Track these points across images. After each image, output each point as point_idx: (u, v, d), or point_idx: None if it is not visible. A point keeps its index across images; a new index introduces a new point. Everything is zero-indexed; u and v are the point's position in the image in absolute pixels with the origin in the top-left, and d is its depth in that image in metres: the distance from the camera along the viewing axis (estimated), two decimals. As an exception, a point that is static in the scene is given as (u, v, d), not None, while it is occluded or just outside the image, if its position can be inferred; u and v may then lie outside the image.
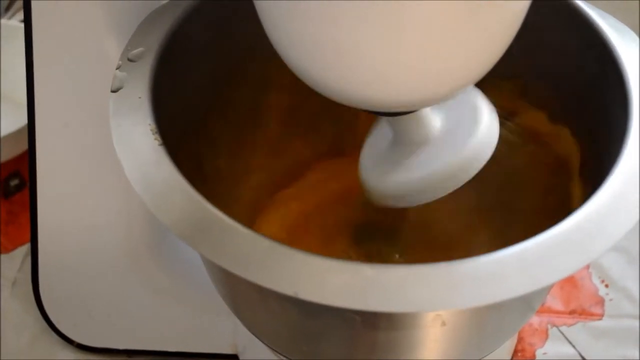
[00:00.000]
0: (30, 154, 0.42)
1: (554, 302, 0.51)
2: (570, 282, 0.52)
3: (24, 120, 0.43)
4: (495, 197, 0.41)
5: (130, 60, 0.34)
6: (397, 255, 0.43)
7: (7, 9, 0.67)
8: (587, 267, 0.52)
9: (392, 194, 0.35)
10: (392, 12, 0.25)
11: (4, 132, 0.55)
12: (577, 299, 0.51)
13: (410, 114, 0.32)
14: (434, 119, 0.34)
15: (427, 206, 0.35)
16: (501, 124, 0.34)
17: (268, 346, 0.36)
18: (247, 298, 0.34)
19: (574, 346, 0.49)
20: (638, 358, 0.48)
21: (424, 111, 0.33)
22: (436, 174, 0.33)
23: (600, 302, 0.51)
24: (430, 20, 0.25)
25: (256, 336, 0.36)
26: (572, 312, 0.50)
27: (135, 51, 0.34)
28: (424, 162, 0.34)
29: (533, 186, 0.40)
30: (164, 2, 0.37)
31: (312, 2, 0.25)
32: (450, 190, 0.34)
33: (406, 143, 0.35)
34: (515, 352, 0.48)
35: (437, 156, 0.33)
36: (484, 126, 0.33)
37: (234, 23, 0.38)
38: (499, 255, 0.26)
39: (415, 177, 0.34)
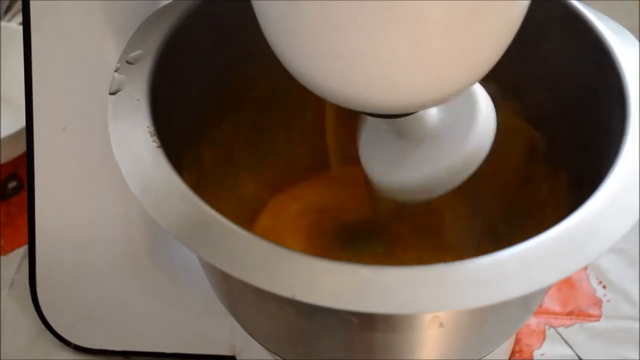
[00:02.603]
0: (28, 156, 0.42)
1: (552, 303, 0.51)
2: (568, 284, 0.52)
3: (22, 123, 0.43)
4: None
5: (128, 62, 0.34)
6: (392, 257, 0.43)
7: (6, 11, 0.67)
8: (585, 268, 0.52)
9: (399, 189, 0.35)
10: (390, 15, 0.25)
11: (2, 134, 0.55)
12: (575, 300, 0.51)
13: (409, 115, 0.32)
14: (432, 116, 0.34)
15: (426, 207, 0.36)
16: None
17: (265, 347, 0.36)
18: (244, 300, 0.34)
19: (571, 347, 0.49)
20: (636, 359, 0.48)
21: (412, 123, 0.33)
22: (440, 172, 0.34)
23: (598, 303, 0.51)
24: (430, 23, 0.25)
25: (253, 337, 0.36)
26: (569, 314, 0.50)
27: (133, 54, 0.34)
28: (426, 159, 0.34)
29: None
30: (162, 4, 0.37)
31: (310, 6, 0.25)
32: (456, 184, 0.34)
33: (406, 139, 0.35)
34: (513, 353, 0.48)
35: (438, 153, 0.34)
36: (482, 119, 0.33)
37: (232, 26, 0.39)
38: (496, 256, 0.26)
39: (420, 174, 0.34)
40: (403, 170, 0.35)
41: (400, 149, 0.35)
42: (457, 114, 0.34)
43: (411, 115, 0.32)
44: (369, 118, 0.37)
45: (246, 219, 0.43)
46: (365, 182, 0.37)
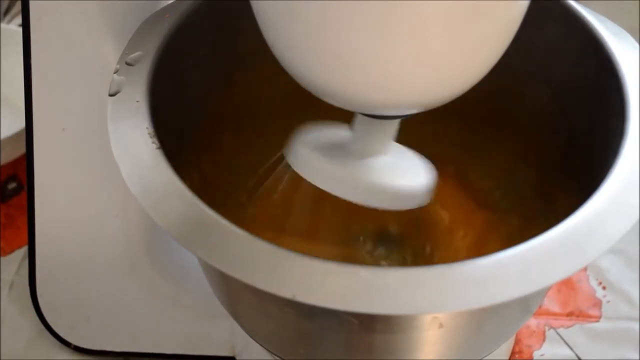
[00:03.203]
0: (28, 158, 0.42)
1: (552, 304, 0.51)
2: (567, 284, 0.52)
3: (21, 124, 0.43)
4: None
5: (128, 64, 0.34)
6: (395, 258, 0.43)
7: (6, 13, 0.67)
8: (585, 269, 0.52)
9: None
10: (390, 16, 0.25)
11: (2, 136, 0.55)
12: (575, 301, 0.51)
13: (390, 122, 0.32)
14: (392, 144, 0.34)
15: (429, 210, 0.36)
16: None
17: (265, 348, 0.36)
18: (244, 301, 0.34)
19: (571, 348, 0.49)
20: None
21: (394, 129, 0.33)
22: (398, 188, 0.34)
23: (598, 304, 0.51)
24: (429, 24, 0.25)
25: (254, 338, 0.36)
26: (569, 314, 0.50)
27: (133, 55, 0.34)
28: (368, 169, 0.34)
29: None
30: (162, 6, 0.37)
31: (310, 7, 0.25)
32: (373, 206, 0.34)
33: (364, 147, 0.34)
34: (513, 353, 0.48)
35: (380, 173, 0.34)
36: (423, 183, 0.33)
37: (231, 27, 0.39)
38: (496, 257, 0.26)
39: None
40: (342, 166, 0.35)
41: (353, 150, 0.35)
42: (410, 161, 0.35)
43: (385, 126, 0.32)
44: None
45: (245, 220, 0.43)
46: None
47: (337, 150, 0.34)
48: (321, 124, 0.36)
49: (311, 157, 0.34)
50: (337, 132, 0.35)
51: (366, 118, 0.31)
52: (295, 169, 0.34)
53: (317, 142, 0.35)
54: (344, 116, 0.33)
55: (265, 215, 0.43)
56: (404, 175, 0.34)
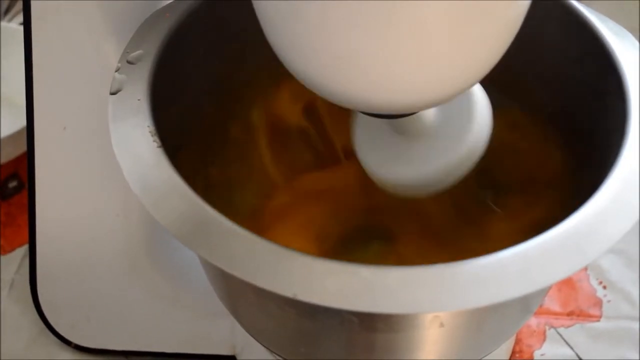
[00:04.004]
0: (29, 156, 0.42)
1: (552, 303, 0.51)
2: (568, 284, 0.52)
3: (22, 122, 0.43)
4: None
5: (129, 62, 0.34)
6: (395, 257, 0.43)
7: (7, 11, 0.67)
8: (585, 268, 0.53)
9: (394, 185, 0.36)
10: (390, 16, 0.25)
11: (3, 134, 0.55)
12: (575, 300, 0.51)
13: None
14: (430, 115, 0.34)
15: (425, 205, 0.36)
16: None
17: (266, 347, 0.36)
18: (245, 299, 0.34)
19: (571, 348, 0.49)
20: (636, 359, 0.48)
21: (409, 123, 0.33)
22: (435, 170, 0.34)
23: (598, 303, 0.51)
24: (430, 24, 0.25)
25: (254, 337, 0.36)
26: (570, 314, 0.50)
27: (134, 53, 0.34)
28: (423, 157, 0.34)
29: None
30: (162, 5, 0.37)
31: (311, 6, 0.25)
32: (451, 183, 0.34)
33: (402, 137, 0.35)
34: (513, 353, 0.48)
35: (435, 152, 0.34)
36: (479, 120, 0.33)
37: (232, 26, 0.39)
38: (497, 256, 0.26)
39: (415, 171, 0.34)
40: (399, 167, 0.35)
41: (396, 146, 0.35)
42: (455, 114, 0.34)
43: (409, 115, 0.32)
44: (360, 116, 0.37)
45: (246, 219, 0.43)
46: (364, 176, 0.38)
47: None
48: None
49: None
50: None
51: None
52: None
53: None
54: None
55: (268, 214, 0.43)
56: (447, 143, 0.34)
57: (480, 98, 0.34)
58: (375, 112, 0.30)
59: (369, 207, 0.42)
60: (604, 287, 0.52)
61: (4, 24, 0.63)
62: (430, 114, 0.34)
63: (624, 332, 0.49)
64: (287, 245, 0.26)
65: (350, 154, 0.39)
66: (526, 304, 0.34)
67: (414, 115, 0.33)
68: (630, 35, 0.35)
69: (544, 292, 0.37)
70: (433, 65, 0.27)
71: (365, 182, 0.38)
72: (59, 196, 0.43)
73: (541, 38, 0.37)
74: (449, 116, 0.34)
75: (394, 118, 0.32)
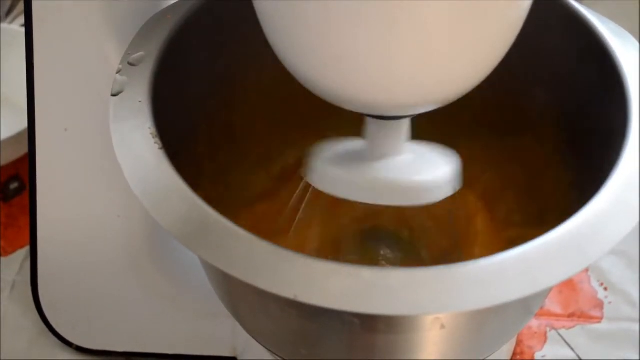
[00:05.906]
0: (30, 158, 0.42)
1: (553, 305, 0.51)
2: (569, 286, 0.52)
3: (24, 124, 0.43)
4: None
5: (130, 64, 0.34)
6: (398, 260, 0.43)
7: (8, 13, 0.67)
8: (586, 270, 0.52)
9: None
10: (391, 16, 0.25)
11: (4, 136, 0.55)
12: (576, 302, 0.51)
13: (399, 122, 0.32)
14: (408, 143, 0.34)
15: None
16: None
17: (267, 349, 0.36)
18: (246, 301, 0.34)
19: (572, 349, 0.49)
20: (637, 361, 0.48)
21: (405, 129, 0.33)
22: (386, 185, 0.33)
23: (599, 305, 0.51)
24: (431, 25, 0.25)
25: (255, 339, 0.36)
26: (571, 315, 0.50)
27: (135, 55, 0.34)
28: (385, 170, 0.33)
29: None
30: (164, 6, 0.37)
31: (312, 7, 0.25)
32: (398, 204, 0.33)
33: (379, 149, 0.34)
34: (514, 354, 0.48)
35: (398, 171, 0.33)
36: (446, 173, 0.33)
37: (233, 27, 0.39)
38: (498, 258, 0.26)
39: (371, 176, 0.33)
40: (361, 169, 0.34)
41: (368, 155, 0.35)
42: (429, 155, 0.34)
43: (396, 126, 0.32)
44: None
45: (247, 220, 0.43)
46: None
47: (353, 159, 0.34)
48: (334, 140, 0.36)
49: (328, 169, 0.33)
50: (351, 144, 0.35)
51: (375, 120, 0.31)
52: (314, 185, 0.34)
53: (332, 155, 0.34)
54: (346, 122, 0.33)
55: (270, 217, 0.43)
56: (424, 168, 0.33)
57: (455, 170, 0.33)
58: (378, 113, 0.30)
59: (371, 210, 0.42)
60: (605, 289, 0.52)
61: (5, 25, 0.63)
62: (409, 144, 0.34)
63: (625, 334, 0.49)
64: (288, 245, 0.26)
65: None
66: (527, 305, 0.34)
67: (399, 134, 0.33)
68: (630, 36, 0.35)
69: (545, 293, 0.37)
70: (434, 66, 0.27)
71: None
72: (60, 197, 0.43)
73: (541, 39, 0.37)
74: (424, 154, 0.34)
75: (395, 119, 0.32)
